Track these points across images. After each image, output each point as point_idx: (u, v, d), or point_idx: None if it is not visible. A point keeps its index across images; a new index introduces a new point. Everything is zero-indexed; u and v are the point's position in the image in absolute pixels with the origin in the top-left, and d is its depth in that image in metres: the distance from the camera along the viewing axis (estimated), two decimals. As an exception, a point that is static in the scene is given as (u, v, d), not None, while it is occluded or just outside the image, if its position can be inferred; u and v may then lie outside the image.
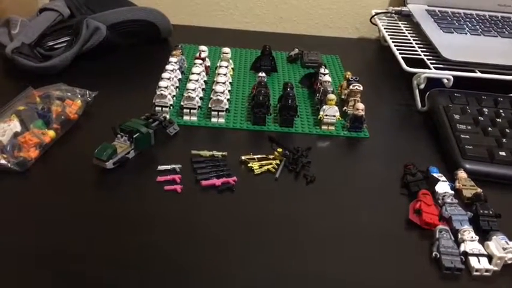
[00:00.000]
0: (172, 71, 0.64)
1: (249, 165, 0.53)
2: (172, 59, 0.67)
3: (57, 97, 0.58)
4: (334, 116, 0.61)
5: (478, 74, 0.66)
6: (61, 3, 0.74)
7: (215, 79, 0.64)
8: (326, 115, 0.61)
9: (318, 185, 0.52)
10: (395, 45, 0.75)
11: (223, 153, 0.55)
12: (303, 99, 0.69)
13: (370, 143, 0.61)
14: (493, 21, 0.82)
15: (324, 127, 0.62)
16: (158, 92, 0.60)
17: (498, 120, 0.59)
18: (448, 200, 0.48)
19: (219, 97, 0.60)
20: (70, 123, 0.57)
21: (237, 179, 0.51)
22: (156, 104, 0.60)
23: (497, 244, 0.43)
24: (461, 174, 0.53)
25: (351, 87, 0.63)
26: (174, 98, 0.64)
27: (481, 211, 0.47)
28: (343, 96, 0.67)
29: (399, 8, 0.88)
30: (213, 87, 0.62)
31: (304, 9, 0.96)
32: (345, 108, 0.64)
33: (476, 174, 0.53)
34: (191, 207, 0.48)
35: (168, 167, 0.52)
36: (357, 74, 0.67)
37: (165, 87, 0.60)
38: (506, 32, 0.78)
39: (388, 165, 0.56)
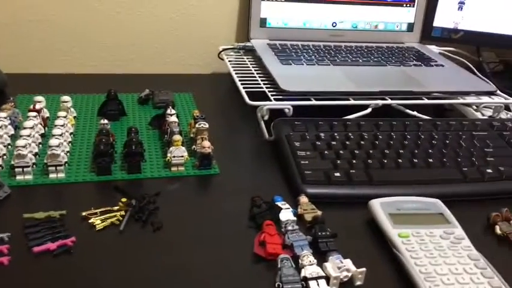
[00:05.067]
0: (0, 128, 0.59)
1: (90, 221, 0.50)
2: (2, 114, 0.62)
3: None
4: (182, 156, 0.61)
5: (313, 102, 0.71)
6: None
7: (52, 132, 0.59)
8: (174, 156, 0.61)
9: (167, 229, 0.51)
10: (239, 80, 0.78)
11: (62, 212, 0.51)
12: (153, 142, 0.68)
13: (220, 179, 0.62)
14: (326, 51, 0.90)
15: (174, 168, 0.61)
16: (-18, 154, 0.54)
17: (333, 143, 0.64)
18: (290, 227, 0.50)
19: (54, 151, 0.56)
20: None
21: (76, 238, 0.47)
22: (-20, 166, 0.54)
23: (333, 264, 0.45)
24: (303, 199, 0.55)
25: (196, 125, 0.64)
26: (5, 157, 0.58)
27: (319, 233, 0.49)
28: (192, 135, 0.67)
29: (244, 44, 0.92)
30: (49, 141, 0.58)
31: (154, 49, 0.96)
32: (194, 146, 0.64)
33: (316, 197, 0.56)
34: (21, 279, 0.43)
35: (-6, 237, 0.46)
36: (209, 110, 0.67)
37: (-10, 147, 0.54)
38: (338, 60, 0.86)
39: (238, 199, 0.57)
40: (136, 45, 0.95)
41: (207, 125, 0.64)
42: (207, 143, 0.61)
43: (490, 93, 0.78)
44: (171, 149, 0.61)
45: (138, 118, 0.75)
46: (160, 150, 0.66)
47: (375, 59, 0.88)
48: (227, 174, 0.62)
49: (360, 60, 0.87)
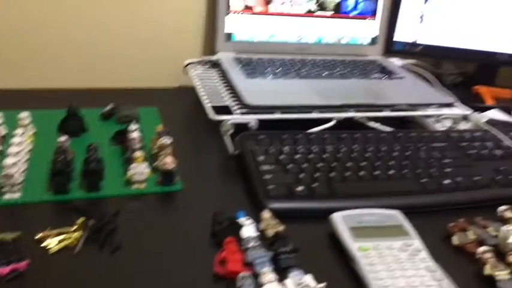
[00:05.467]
0: (-48, 147, 0.57)
1: (45, 243, 0.49)
2: (-45, 133, 0.60)
3: None
4: (144, 173, 0.60)
5: (277, 116, 0.72)
6: None
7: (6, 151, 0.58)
8: (135, 173, 0.60)
9: (126, 250, 0.50)
10: (204, 94, 0.78)
11: (15, 234, 0.49)
12: (115, 158, 0.67)
13: (183, 195, 0.61)
14: (292, 64, 0.91)
15: (135, 186, 0.60)
16: None
17: (296, 156, 0.65)
18: (251, 244, 0.49)
19: (8, 171, 0.54)
20: None
21: (30, 262, 0.46)
22: None
23: (293, 281, 0.45)
24: (266, 214, 0.55)
25: (159, 141, 0.63)
26: (-43, 177, 0.56)
27: (281, 249, 0.49)
28: (155, 151, 0.66)
29: (210, 57, 0.92)
30: (3, 161, 0.56)
31: (120, 62, 0.95)
32: (156, 163, 0.63)
33: (280, 212, 0.56)
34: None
35: None
36: (174, 124, 0.67)
37: None
38: (303, 73, 0.87)
39: (201, 216, 0.57)
40: (101, 58, 0.93)
41: (170, 141, 0.63)
42: (169, 159, 0.61)
43: (449, 105, 0.80)
44: (131, 165, 0.60)
45: (101, 134, 0.73)
46: (121, 167, 0.64)
47: (340, 72, 0.89)
48: (190, 191, 0.62)
49: (325, 74, 0.88)
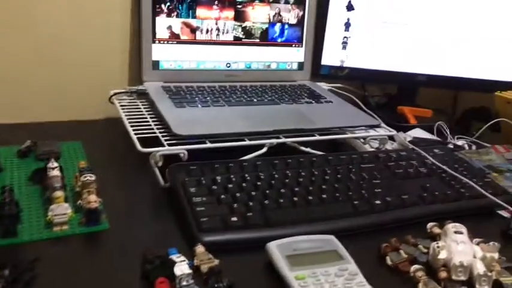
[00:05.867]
0: None
1: None
2: None
3: None
4: (65, 214, 0.56)
5: (208, 145, 0.70)
6: None
7: None
8: (55, 215, 0.55)
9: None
10: (131, 125, 0.74)
11: None
12: (33, 199, 0.62)
13: (110, 234, 0.57)
14: (222, 92, 0.90)
15: (56, 228, 0.56)
16: None
17: (230, 186, 0.63)
18: (184, 283, 0.47)
19: None
20: None
21: None
22: None
23: (230, 318, 0.43)
24: (199, 249, 0.53)
25: (81, 178, 0.59)
26: None
27: (215, 285, 0.47)
28: (77, 189, 0.62)
29: (137, 87, 0.89)
30: None
31: (40, 94, 0.89)
32: (80, 202, 0.59)
33: (214, 245, 0.54)
34: None
35: None
36: (100, 158, 0.63)
37: None
38: (233, 100, 0.87)
39: (130, 256, 0.53)
40: (18, 91, 0.87)
41: (93, 178, 0.60)
42: (93, 197, 0.57)
43: (375, 126, 0.83)
44: (51, 206, 0.56)
45: (18, 173, 0.68)
46: (41, 209, 0.60)
47: (269, 98, 0.90)
48: (118, 229, 0.58)
49: (255, 100, 0.88)
